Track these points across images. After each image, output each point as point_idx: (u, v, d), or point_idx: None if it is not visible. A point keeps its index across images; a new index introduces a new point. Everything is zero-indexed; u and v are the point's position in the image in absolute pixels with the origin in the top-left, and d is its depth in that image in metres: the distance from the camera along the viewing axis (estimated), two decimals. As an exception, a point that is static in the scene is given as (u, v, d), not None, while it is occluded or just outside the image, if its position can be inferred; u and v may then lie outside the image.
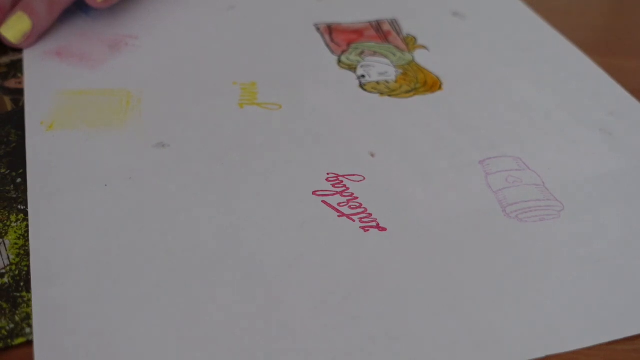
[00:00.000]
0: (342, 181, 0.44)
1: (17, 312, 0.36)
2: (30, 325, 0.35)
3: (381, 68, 0.55)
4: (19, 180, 0.43)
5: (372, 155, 0.47)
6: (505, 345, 0.36)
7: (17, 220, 0.41)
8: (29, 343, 0.35)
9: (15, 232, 0.40)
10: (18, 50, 0.54)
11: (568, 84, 0.55)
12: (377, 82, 0.53)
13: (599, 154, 0.48)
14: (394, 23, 0.61)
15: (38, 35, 0.54)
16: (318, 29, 0.59)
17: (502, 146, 0.48)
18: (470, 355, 0.35)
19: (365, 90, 0.53)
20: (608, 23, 0.67)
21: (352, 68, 0.55)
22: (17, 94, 0.50)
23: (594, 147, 0.49)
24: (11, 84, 0.51)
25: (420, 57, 0.57)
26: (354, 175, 0.45)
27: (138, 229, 0.40)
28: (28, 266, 0.38)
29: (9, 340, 0.35)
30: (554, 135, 0.49)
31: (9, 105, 0.49)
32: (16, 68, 0.53)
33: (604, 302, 0.38)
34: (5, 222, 0.40)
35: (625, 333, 0.37)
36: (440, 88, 0.53)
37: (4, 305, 0.36)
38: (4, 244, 0.39)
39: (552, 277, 0.39)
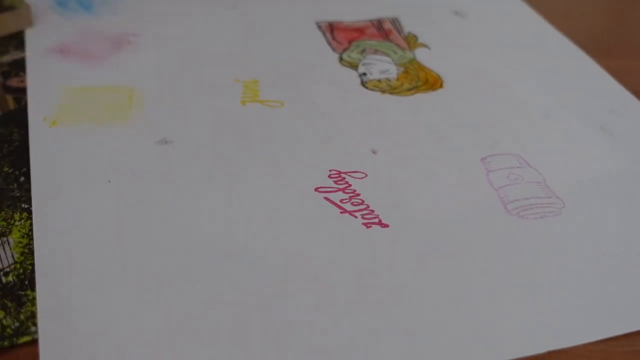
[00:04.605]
0: (344, 178, 0.44)
1: (22, 310, 0.36)
2: (35, 324, 0.35)
3: (382, 66, 0.55)
4: (22, 178, 0.43)
5: (374, 153, 0.47)
6: (507, 341, 0.36)
7: (20, 219, 0.41)
8: (34, 342, 0.35)
9: (19, 231, 0.40)
10: (20, 48, 0.55)
11: (568, 82, 0.55)
12: (379, 80, 0.54)
13: (599, 152, 0.48)
14: (395, 21, 0.61)
15: None
16: (319, 27, 0.60)
17: (503, 144, 0.48)
18: (472, 351, 0.35)
19: (366, 88, 0.53)
20: (609, 24, 0.67)
21: (354, 66, 0.55)
22: (20, 93, 0.50)
23: (594, 145, 0.49)
24: (13, 82, 0.52)
25: (421, 55, 0.57)
26: (356, 172, 0.45)
27: (142, 225, 0.41)
28: (32, 265, 0.38)
29: (15, 339, 0.35)
30: (554, 133, 0.50)
31: (12, 104, 0.49)
32: (18, 66, 0.53)
33: (604, 299, 0.38)
34: (9, 220, 0.41)
35: (625, 329, 0.37)
36: (441, 86, 0.53)
37: (9, 304, 0.36)
38: (8, 243, 0.39)
39: (552, 274, 0.39)
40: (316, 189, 0.44)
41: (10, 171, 0.44)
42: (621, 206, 0.44)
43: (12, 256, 0.39)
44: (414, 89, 0.53)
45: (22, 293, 0.37)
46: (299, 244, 0.40)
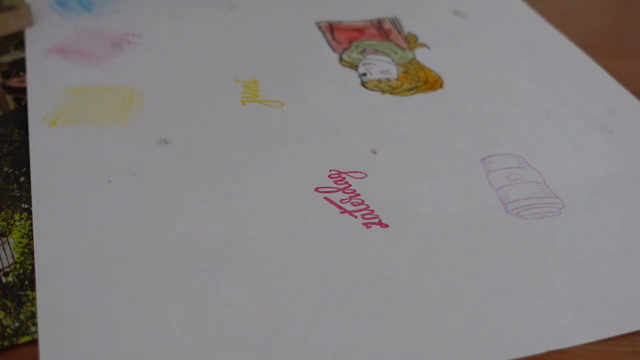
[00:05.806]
0: (344, 178, 0.44)
1: (22, 310, 0.36)
2: (35, 324, 0.35)
3: (382, 66, 0.55)
4: (22, 178, 0.43)
5: (374, 153, 0.47)
6: (507, 341, 0.36)
7: (20, 219, 0.41)
8: (34, 342, 0.35)
9: (19, 231, 0.40)
10: (20, 48, 0.55)
11: (568, 82, 0.55)
12: (379, 80, 0.53)
13: (599, 151, 0.48)
14: (395, 21, 0.61)
15: None
16: (320, 27, 0.60)
17: (503, 144, 0.48)
18: (472, 351, 0.35)
19: (366, 88, 0.53)
20: (609, 24, 0.67)
21: (354, 66, 0.55)
22: (20, 93, 0.50)
23: (594, 145, 0.49)
24: (13, 82, 0.52)
25: (421, 55, 0.57)
26: (356, 172, 0.45)
27: (141, 225, 0.41)
28: (32, 265, 0.38)
29: (14, 339, 0.35)
30: (554, 133, 0.50)
31: (12, 104, 0.49)
32: (18, 66, 0.53)
33: (604, 299, 0.38)
34: (9, 220, 0.41)
35: (625, 329, 0.37)
36: (441, 86, 0.53)
37: (9, 304, 0.36)
38: (8, 243, 0.39)
39: (552, 274, 0.39)
40: (316, 189, 0.44)
41: (10, 171, 0.44)
42: (621, 206, 0.44)
43: (12, 256, 0.39)
44: (414, 89, 0.53)
45: (22, 293, 0.37)
46: (298, 243, 0.40)
